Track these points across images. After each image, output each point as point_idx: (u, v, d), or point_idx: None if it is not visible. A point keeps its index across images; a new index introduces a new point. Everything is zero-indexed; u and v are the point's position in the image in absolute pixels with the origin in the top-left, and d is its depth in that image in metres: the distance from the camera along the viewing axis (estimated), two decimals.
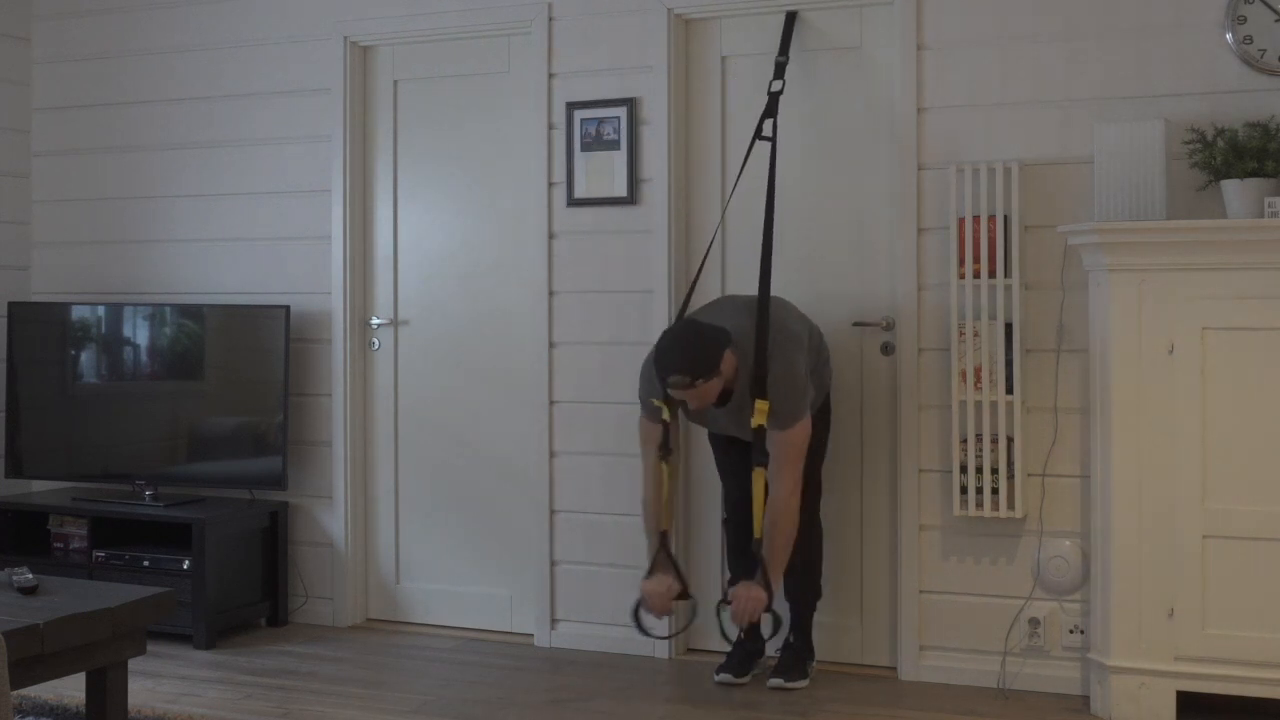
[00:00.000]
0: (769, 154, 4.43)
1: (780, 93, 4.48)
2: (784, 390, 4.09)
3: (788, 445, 4.09)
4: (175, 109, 5.51)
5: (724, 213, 4.58)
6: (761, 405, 4.08)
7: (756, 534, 4.14)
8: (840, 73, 4.63)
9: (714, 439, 4.51)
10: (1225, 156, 3.94)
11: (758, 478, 4.13)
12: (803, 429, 4.11)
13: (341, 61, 5.23)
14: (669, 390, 4.09)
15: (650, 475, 4.28)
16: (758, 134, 4.46)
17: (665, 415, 4.22)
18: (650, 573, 4.24)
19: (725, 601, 4.21)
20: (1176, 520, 3.92)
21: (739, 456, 4.38)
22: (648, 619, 4.27)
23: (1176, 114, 4.14)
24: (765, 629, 4.30)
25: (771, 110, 4.46)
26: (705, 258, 4.52)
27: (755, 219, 4.54)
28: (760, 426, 4.09)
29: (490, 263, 5.13)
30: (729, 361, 4.08)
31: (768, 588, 4.09)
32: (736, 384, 4.13)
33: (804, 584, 4.40)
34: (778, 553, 4.11)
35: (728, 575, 4.56)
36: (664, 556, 4.25)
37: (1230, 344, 3.88)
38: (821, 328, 4.60)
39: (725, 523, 4.55)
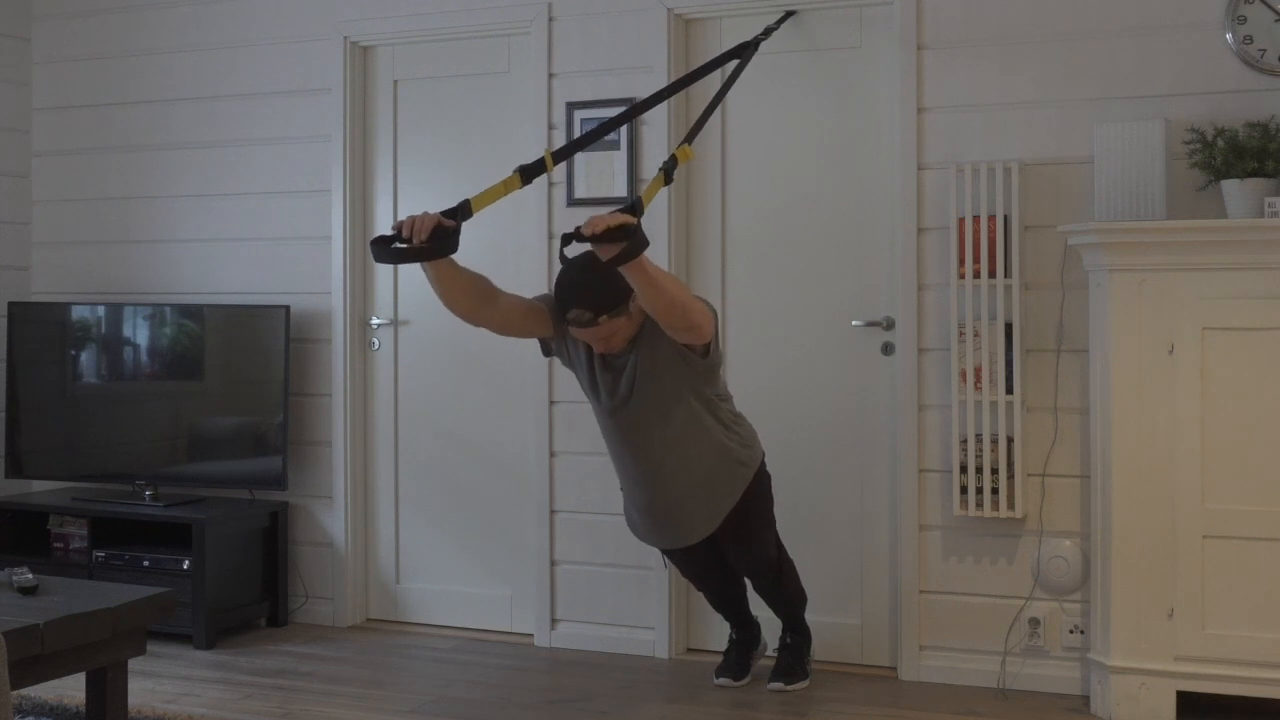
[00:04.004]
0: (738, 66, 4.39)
1: (763, 39, 4.44)
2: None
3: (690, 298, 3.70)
4: (175, 109, 5.52)
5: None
6: (686, 150, 3.73)
7: (644, 200, 3.59)
8: (840, 73, 4.63)
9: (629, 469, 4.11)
10: (1225, 156, 3.94)
11: (656, 181, 3.74)
12: (706, 312, 3.76)
13: (341, 61, 5.23)
14: (569, 325, 3.71)
15: (505, 183, 3.69)
16: (734, 51, 4.39)
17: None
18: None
19: (574, 237, 3.45)
20: (1176, 520, 3.92)
21: (686, 552, 4.21)
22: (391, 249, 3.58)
23: (1176, 114, 4.14)
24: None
25: (751, 44, 4.40)
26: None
27: (756, 221, 4.54)
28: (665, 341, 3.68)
29: (490, 263, 5.10)
30: (638, 304, 3.70)
31: (624, 228, 3.37)
32: (643, 339, 3.79)
33: (789, 602, 4.35)
34: (658, 272, 3.55)
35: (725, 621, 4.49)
36: (451, 214, 3.60)
37: (1230, 344, 3.88)
38: (821, 328, 4.62)
39: (668, 552, 4.33)
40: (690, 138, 4.03)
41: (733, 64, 4.44)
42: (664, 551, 4.33)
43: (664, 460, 3.98)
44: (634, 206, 3.49)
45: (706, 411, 3.98)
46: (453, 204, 5.29)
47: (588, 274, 3.69)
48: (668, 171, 3.86)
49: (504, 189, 3.66)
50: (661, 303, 3.59)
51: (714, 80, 4.53)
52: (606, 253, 3.37)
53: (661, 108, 4.73)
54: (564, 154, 3.95)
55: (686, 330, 3.74)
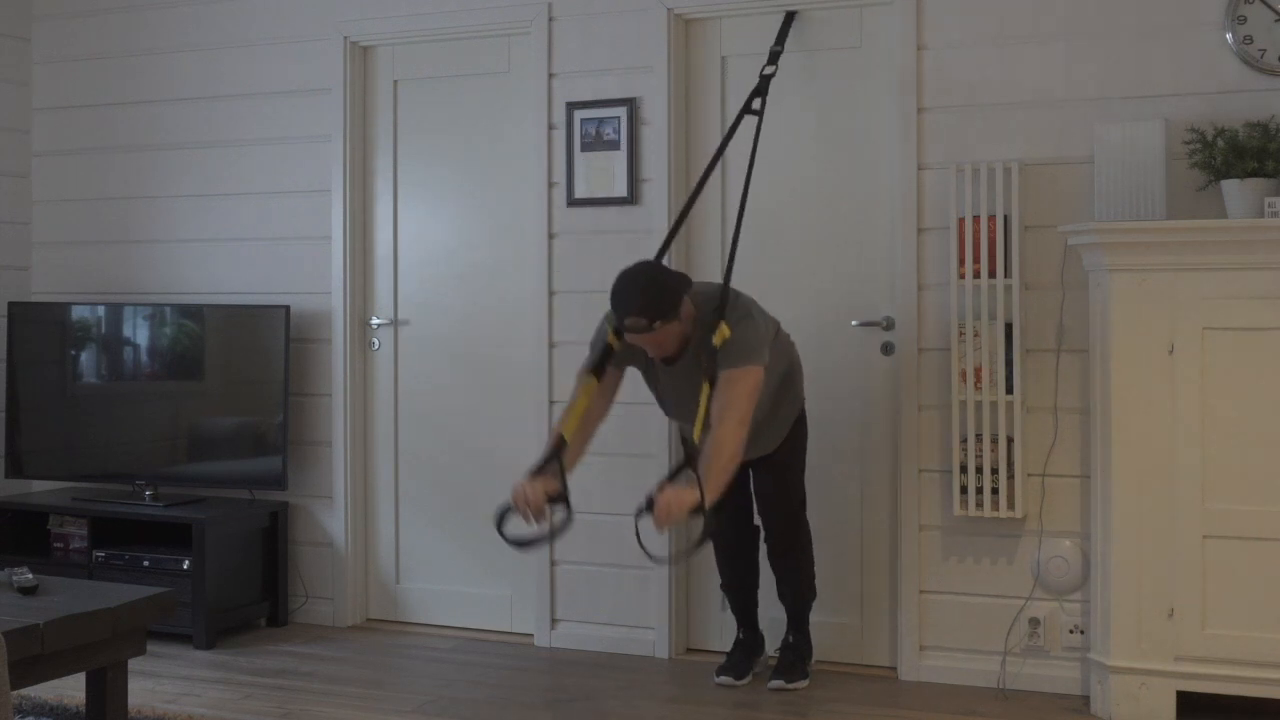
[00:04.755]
0: (754, 132, 4.40)
1: (772, 76, 4.46)
2: (742, 327, 3.90)
3: (738, 383, 3.83)
4: (175, 109, 5.52)
5: (741, 211, 4.37)
6: (723, 329, 3.86)
7: (694, 437, 3.80)
8: (840, 73, 4.63)
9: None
10: (1225, 156, 3.94)
11: (704, 390, 3.84)
12: (754, 374, 3.87)
13: (341, 61, 5.23)
14: (625, 334, 3.89)
15: (577, 385, 4.00)
16: (745, 108, 4.43)
17: (611, 340, 3.98)
18: (531, 475, 3.85)
19: (646, 509, 3.68)
20: (1176, 520, 3.92)
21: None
22: (512, 525, 3.79)
23: (1176, 114, 4.14)
24: (700, 531, 3.85)
25: (761, 90, 4.43)
26: (731, 257, 4.26)
27: (756, 221, 4.54)
28: (714, 354, 3.84)
29: (490, 263, 5.13)
30: (688, 308, 3.91)
31: (697, 502, 3.63)
32: (690, 342, 3.95)
33: (798, 586, 4.40)
34: (716, 474, 3.72)
35: (720, 580, 4.54)
36: (553, 462, 3.86)
37: (1230, 344, 3.88)
38: (821, 328, 4.61)
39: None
40: (721, 312, 3.91)
41: (738, 121, 4.47)
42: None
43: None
44: (701, 499, 3.65)
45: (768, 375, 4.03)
46: (453, 203, 5.32)
47: (640, 283, 3.89)
48: (712, 379, 3.85)
49: (585, 396, 3.97)
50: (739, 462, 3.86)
51: (714, 117, 4.52)
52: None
53: (661, 107, 4.74)
54: (621, 326, 3.91)
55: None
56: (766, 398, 4.09)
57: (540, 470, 3.86)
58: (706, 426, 3.81)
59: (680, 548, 4.40)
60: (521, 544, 3.83)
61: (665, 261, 4.27)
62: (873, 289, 4.59)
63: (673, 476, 3.79)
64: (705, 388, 3.84)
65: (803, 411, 4.34)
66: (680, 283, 3.94)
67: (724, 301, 3.96)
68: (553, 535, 3.98)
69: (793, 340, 4.31)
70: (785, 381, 4.20)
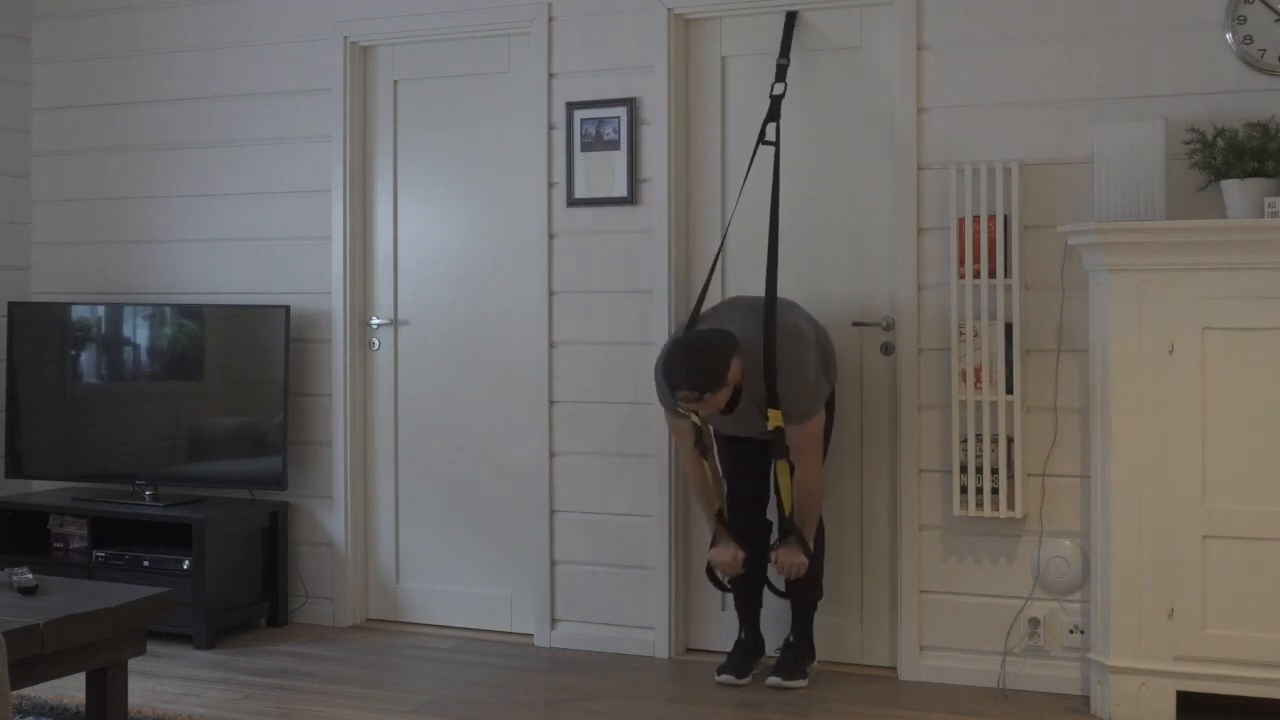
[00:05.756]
0: (773, 158, 4.42)
1: (782, 96, 4.48)
2: (796, 392, 4.15)
3: (806, 437, 4.20)
4: (175, 109, 5.52)
5: (725, 232, 4.56)
6: (775, 414, 4.15)
7: (787, 510, 4.28)
8: (840, 73, 4.63)
9: (719, 436, 4.51)
10: (1225, 156, 3.93)
11: (782, 469, 4.25)
12: (818, 421, 4.22)
13: (341, 61, 5.23)
14: (678, 405, 4.17)
15: (693, 465, 4.39)
16: (761, 138, 4.46)
17: (693, 419, 4.29)
18: (714, 544, 4.38)
19: (769, 561, 4.40)
20: (1176, 520, 3.92)
21: (746, 453, 4.42)
22: (728, 585, 4.46)
23: (1176, 114, 4.14)
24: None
25: (774, 114, 4.45)
26: (713, 267, 4.47)
27: (755, 221, 4.54)
28: (778, 428, 4.18)
29: (490, 263, 5.13)
30: (735, 369, 4.12)
31: (807, 552, 4.27)
32: (744, 387, 4.17)
33: (806, 585, 4.40)
34: (810, 523, 4.28)
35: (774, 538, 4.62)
36: (723, 530, 4.38)
37: (1230, 344, 3.88)
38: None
39: (719, 515, 4.51)
40: (774, 403, 4.17)
41: (755, 151, 4.50)
42: (726, 460, 4.51)
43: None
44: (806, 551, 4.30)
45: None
46: (453, 203, 5.32)
47: (690, 355, 4.11)
48: (786, 454, 4.24)
49: (706, 469, 4.42)
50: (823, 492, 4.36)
51: (714, 114, 4.52)
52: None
53: (661, 106, 4.74)
54: (674, 403, 4.21)
55: None
56: None
57: (716, 539, 4.39)
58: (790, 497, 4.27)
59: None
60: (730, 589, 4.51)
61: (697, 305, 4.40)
62: (873, 289, 4.59)
63: (780, 540, 4.36)
64: (784, 467, 4.23)
65: (832, 396, 4.40)
66: (725, 346, 4.11)
67: (769, 369, 4.14)
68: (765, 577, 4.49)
69: (828, 332, 4.40)
70: (819, 369, 4.28)
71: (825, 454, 4.38)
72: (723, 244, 4.57)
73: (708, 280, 4.46)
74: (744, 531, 4.43)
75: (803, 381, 4.15)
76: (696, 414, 4.23)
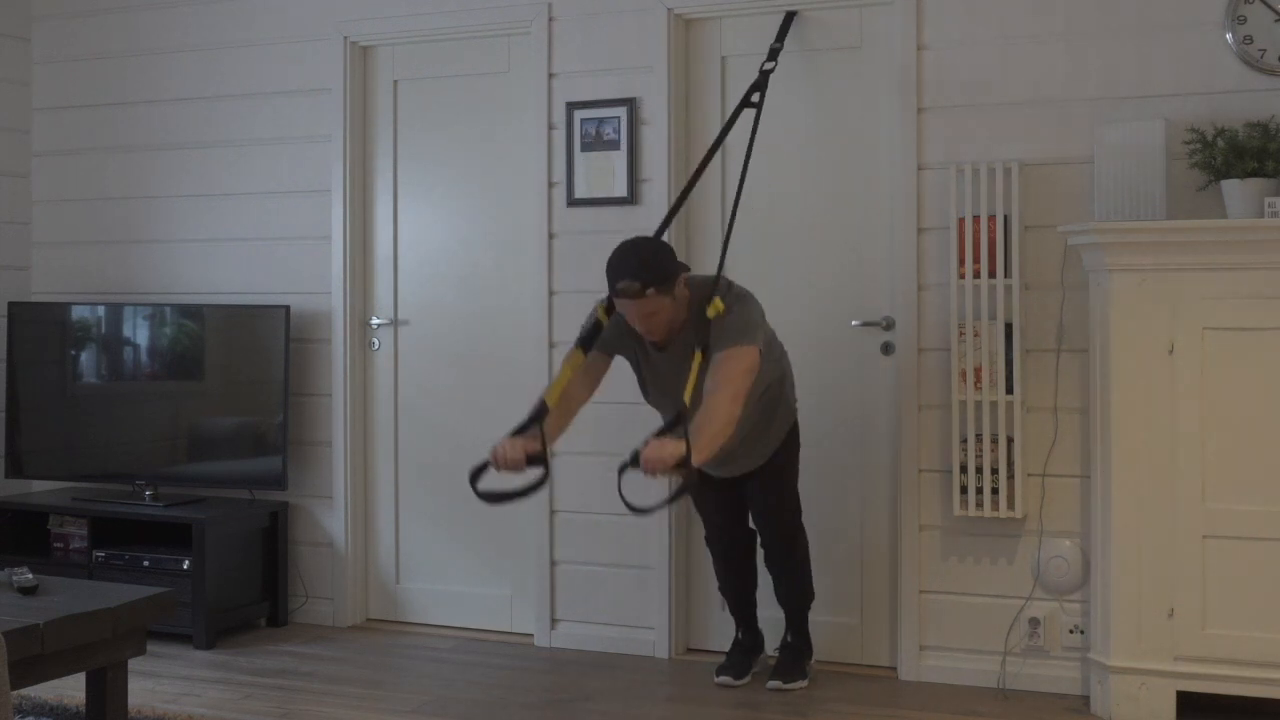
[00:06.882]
0: (754, 121, 4.39)
1: (771, 71, 4.45)
2: (738, 307, 3.91)
3: (734, 361, 3.80)
4: (175, 109, 5.52)
5: (727, 236, 4.41)
6: (717, 303, 3.86)
7: (686, 400, 3.78)
8: (840, 73, 4.63)
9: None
10: (1225, 156, 3.94)
11: (697, 359, 3.84)
12: (751, 354, 3.84)
13: (341, 61, 5.23)
14: (617, 297, 3.87)
15: (563, 362, 4.01)
16: (744, 101, 4.43)
17: (600, 315, 4.00)
18: (511, 435, 3.88)
19: (631, 463, 3.69)
20: (1176, 520, 3.92)
21: (724, 501, 4.34)
22: (487, 481, 3.82)
23: (1176, 114, 4.14)
24: (671, 491, 3.90)
25: (760, 85, 4.43)
26: (722, 260, 4.28)
27: (756, 220, 4.54)
28: (707, 325, 3.85)
29: (490, 263, 5.13)
30: (683, 287, 3.91)
31: (683, 458, 3.60)
32: (684, 328, 3.94)
33: (797, 589, 4.39)
34: (706, 438, 3.68)
35: (722, 602, 4.55)
36: (534, 426, 3.87)
37: (1230, 344, 3.88)
38: (821, 328, 4.61)
39: (708, 540, 4.50)
40: (715, 292, 3.93)
41: (736, 113, 4.47)
42: (702, 506, 4.39)
43: None
44: (687, 446, 3.63)
45: (761, 378, 4.03)
46: (453, 203, 5.33)
47: (639, 248, 3.94)
48: (704, 348, 3.86)
49: (570, 369, 3.98)
50: (730, 436, 3.81)
51: (714, 116, 4.52)
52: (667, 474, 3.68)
53: (661, 107, 4.74)
54: (613, 305, 4.00)
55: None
56: (757, 409, 4.07)
57: (520, 432, 3.87)
58: (697, 396, 3.78)
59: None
60: (493, 498, 3.79)
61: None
62: (873, 289, 4.59)
63: (661, 432, 3.75)
64: (698, 356, 3.83)
65: (795, 424, 4.31)
66: (680, 263, 3.98)
67: (718, 282, 3.96)
68: (527, 491, 3.80)
69: (785, 350, 4.26)
70: (776, 392, 4.17)
71: (797, 476, 4.31)
72: (725, 245, 4.50)
73: (682, 196, 4.42)
74: (725, 542, 4.39)
75: (743, 308, 3.92)
76: (627, 343, 3.93)
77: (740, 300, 3.97)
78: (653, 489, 4.02)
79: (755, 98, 4.42)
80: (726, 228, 4.27)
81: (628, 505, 3.68)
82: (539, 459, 3.82)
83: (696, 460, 3.62)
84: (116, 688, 3.49)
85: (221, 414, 5.32)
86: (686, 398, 3.78)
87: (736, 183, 4.39)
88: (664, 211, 4.71)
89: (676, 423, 3.73)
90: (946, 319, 4.37)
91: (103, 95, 5.65)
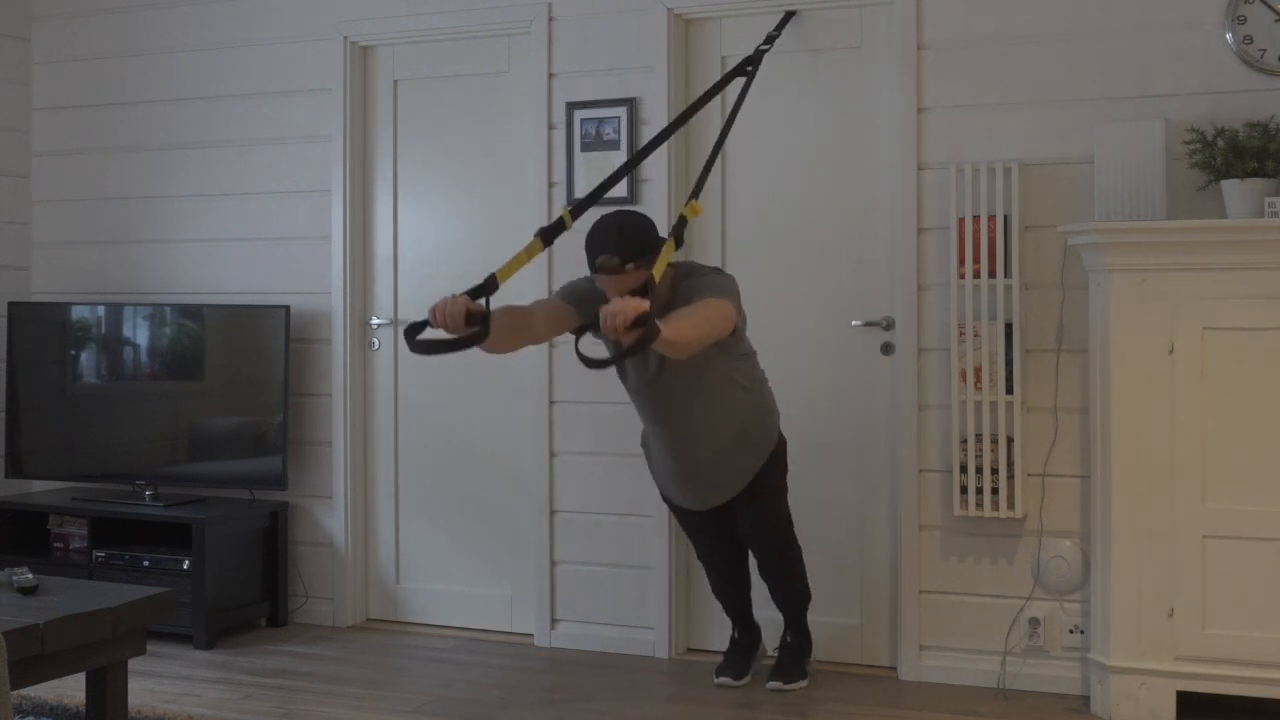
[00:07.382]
0: (743, 86, 4.40)
1: (766, 50, 4.45)
2: (714, 275, 3.92)
3: (709, 306, 3.72)
4: (175, 109, 5.52)
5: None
6: (688, 280, 3.86)
7: (658, 277, 3.69)
8: (840, 73, 4.63)
9: (675, 509, 4.37)
10: (1225, 156, 3.94)
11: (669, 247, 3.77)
12: (726, 306, 3.77)
13: (341, 61, 5.23)
14: (596, 273, 3.81)
15: (525, 249, 3.88)
16: (738, 69, 4.41)
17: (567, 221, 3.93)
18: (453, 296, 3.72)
19: (592, 324, 3.55)
20: (1176, 520, 3.92)
21: (713, 532, 4.33)
22: (425, 335, 3.68)
23: (1176, 114, 4.14)
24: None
25: (754, 59, 4.41)
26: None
27: (755, 220, 4.54)
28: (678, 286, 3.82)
29: (490, 263, 5.08)
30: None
31: (645, 317, 3.38)
32: (665, 308, 3.82)
33: (793, 594, 4.38)
34: (673, 323, 3.54)
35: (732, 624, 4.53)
36: (479, 291, 3.75)
37: (1230, 344, 3.88)
38: (821, 328, 4.62)
39: (698, 557, 4.49)
40: (696, 192, 4.00)
41: (727, 80, 4.46)
42: (686, 527, 4.38)
43: (697, 428, 4.07)
44: (645, 288, 3.61)
45: (735, 372, 4.06)
46: (453, 203, 5.33)
47: (620, 222, 3.90)
48: (678, 236, 3.88)
49: (527, 256, 3.88)
50: (688, 350, 3.66)
51: (714, 113, 4.52)
52: (626, 338, 3.41)
53: (661, 107, 4.74)
54: (581, 207, 4.04)
55: (714, 343, 3.82)
56: (735, 414, 4.04)
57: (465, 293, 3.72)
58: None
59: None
60: (427, 346, 3.62)
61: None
62: (873, 289, 4.59)
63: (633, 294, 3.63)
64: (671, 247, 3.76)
65: (780, 446, 4.23)
66: (660, 236, 3.92)
67: (694, 267, 3.95)
68: (461, 343, 3.63)
69: (767, 381, 4.23)
70: (758, 398, 4.12)
71: (786, 495, 4.28)
72: (701, 181, 4.35)
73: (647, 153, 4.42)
74: (716, 554, 4.38)
75: (723, 279, 3.90)
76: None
77: (720, 273, 4.03)
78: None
79: (748, 70, 4.41)
80: (702, 169, 4.16)
81: (582, 358, 3.45)
82: (479, 319, 3.63)
83: (661, 334, 3.41)
84: (116, 688, 3.49)
85: (221, 414, 5.32)
86: (658, 276, 3.67)
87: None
88: (665, 212, 4.72)
89: (647, 289, 3.60)
90: (946, 319, 4.37)
91: (103, 95, 5.65)
